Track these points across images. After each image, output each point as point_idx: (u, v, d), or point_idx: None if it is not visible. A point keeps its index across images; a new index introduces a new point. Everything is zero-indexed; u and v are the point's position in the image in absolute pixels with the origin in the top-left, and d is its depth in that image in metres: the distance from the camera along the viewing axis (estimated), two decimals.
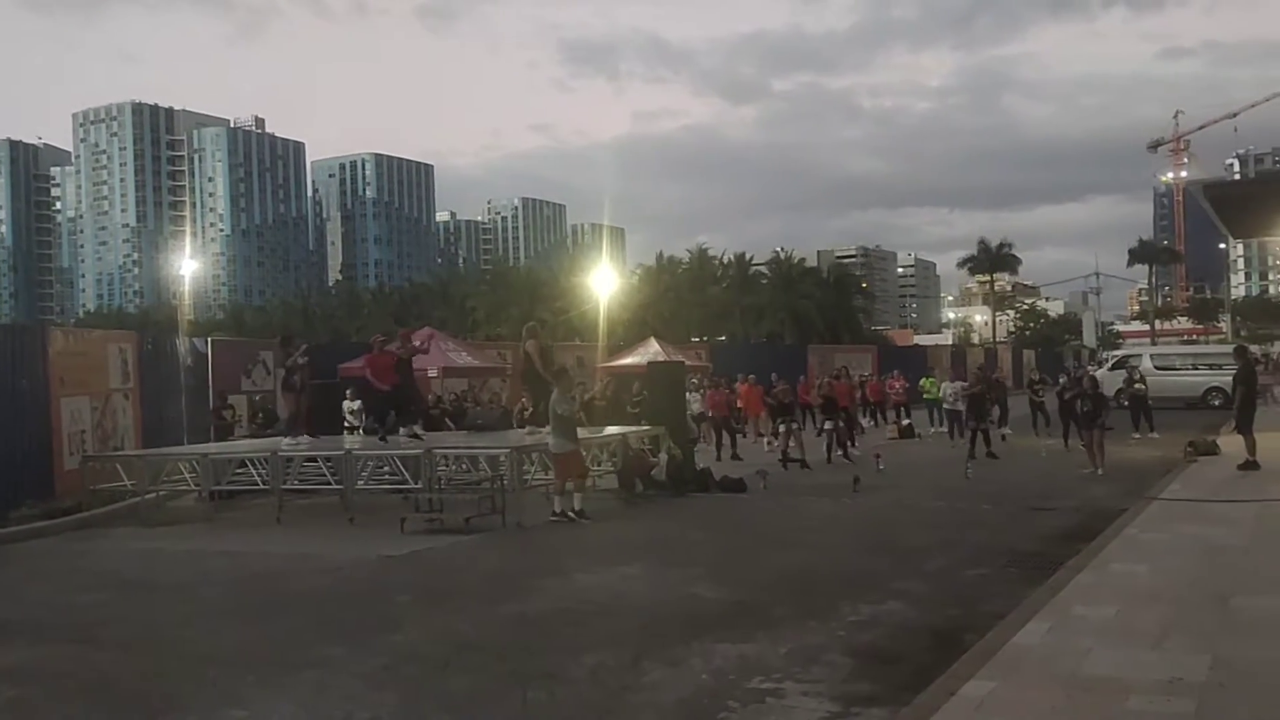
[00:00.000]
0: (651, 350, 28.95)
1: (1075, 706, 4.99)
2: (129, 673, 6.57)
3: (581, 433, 13.76)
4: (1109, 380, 28.40)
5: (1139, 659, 5.65)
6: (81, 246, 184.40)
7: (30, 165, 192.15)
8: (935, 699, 5.17)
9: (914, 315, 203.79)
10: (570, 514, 12.18)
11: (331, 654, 6.73)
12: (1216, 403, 30.20)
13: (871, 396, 28.04)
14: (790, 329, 63.04)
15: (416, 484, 12.93)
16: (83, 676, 6.54)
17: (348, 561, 10.29)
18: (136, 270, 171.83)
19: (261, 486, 13.87)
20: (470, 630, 7.35)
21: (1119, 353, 40.93)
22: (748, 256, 73.51)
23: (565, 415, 12.63)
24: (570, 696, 5.77)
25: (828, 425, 18.73)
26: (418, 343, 17.04)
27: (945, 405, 22.74)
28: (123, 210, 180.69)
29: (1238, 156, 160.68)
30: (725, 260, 73.32)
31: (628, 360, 28.37)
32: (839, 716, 5.28)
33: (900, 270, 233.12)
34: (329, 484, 13.65)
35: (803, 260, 76.68)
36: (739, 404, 23.39)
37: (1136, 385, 22.79)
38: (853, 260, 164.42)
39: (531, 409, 14.51)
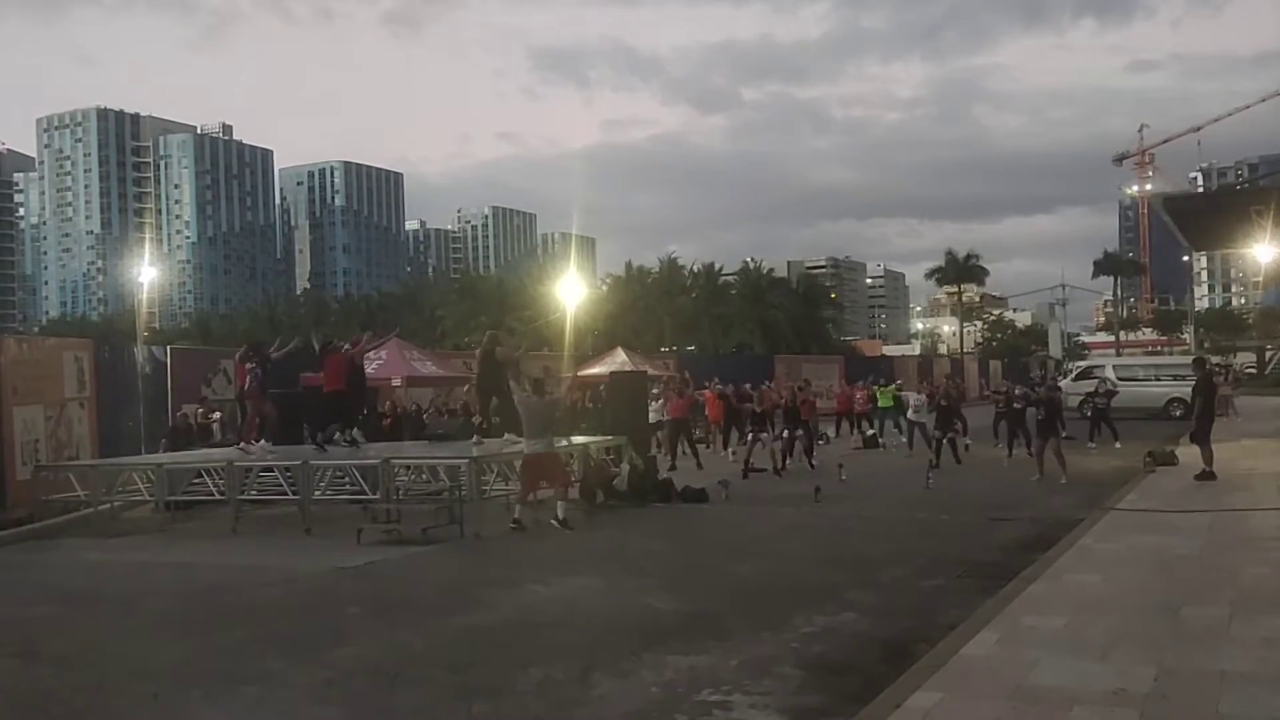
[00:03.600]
0: (619, 360, 28.99)
1: (1020, 717, 4.98)
2: (67, 688, 6.42)
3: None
4: (1072, 390, 28.74)
5: (1085, 670, 5.66)
6: (44, 253, 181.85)
7: None
8: (882, 710, 5.15)
9: (883, 326, 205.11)
10: (555, 521, 12.02)
11: (276, 668, 6.62)
12: (1178, 413, 30.51)
13: (839, 406, 28.15)
14: (759, 339, 63.17)
15: (375, 495, 12.80)
16: (19, 691, 6.39)
17: (300, 573, 10.14)
18: (100, 278, 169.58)
19: (219, 497, 13.69)
20: (420, 643, 7.25)
21: (1083, 363, 41.35)
22: (717, 266, 73.70)
23: (539, 416, 12.52)
24: (515, 710, 5.69)
25: (793, 433, 18.77)
26: (370, 344, 16.73)
27: (909, 417, 22.81)
28: (87, 217, 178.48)
29: (1201, 170, 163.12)
30: (695, 270, 73.44)
31: (594, 370, 28.36)
32: None
33: (869, 281, 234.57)
34: (287, 495, 13.49)
35: (772, 270, 77.01)
36: (707, 411, 23.41)
37: (1098, 398, 23.01)
38: (822, 271, 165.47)
39: (483, 419, 14.40)
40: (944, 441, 18.86)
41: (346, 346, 15.01)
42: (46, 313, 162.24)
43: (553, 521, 12.03)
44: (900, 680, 5.60)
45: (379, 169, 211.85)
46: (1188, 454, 16.35)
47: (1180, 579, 8.13)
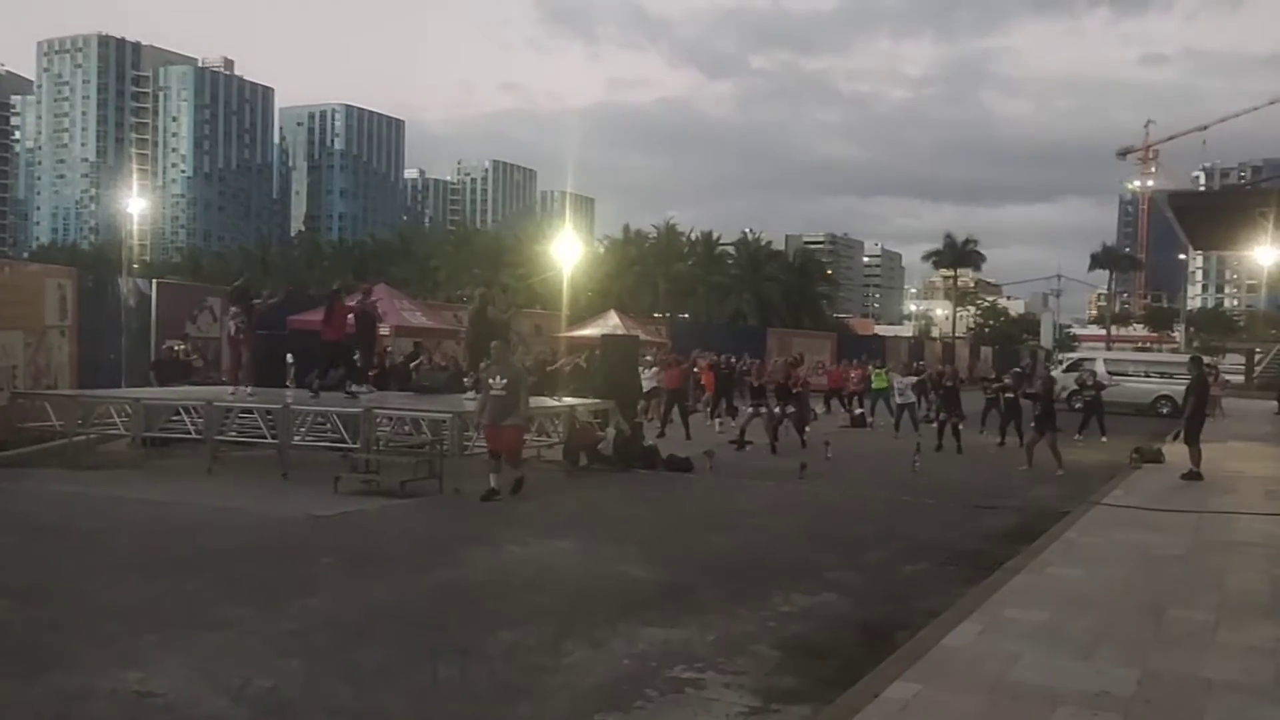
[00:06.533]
0: (611, 323, 28.70)
1: (1001, 714, 4.84)
2: (22, 623, 6.25)
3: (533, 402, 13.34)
4: (1063, 383, 28.63)
5: (1068, 668, 5.52)
6: (38, 179, 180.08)
7: None
8: (859, 699, 5.00)
9: (876, 305, 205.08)
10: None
11: (240, 615, 6.45)
12: (1165, 410, 30.50)
13: (830, 383, 28.01)
14: (754, 311, 63.01)
15: (355, 443, 12.60)
16: None
17: (274, 518, 9.97)
18: (93, 206, 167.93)
19: (196, 436, 13.48)
20: (390, 598, 7.09)
21: (1074, 355, 41.28)
22: (715, 235, 73.31)
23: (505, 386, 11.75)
24: (483, 674, 5.53)
25: (784, 409, 18.55)
26: (375, 299, 16.68)
27: (896, 399, 22.68)
28: (83, 144, 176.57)
29: (1204, 169, 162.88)
30: (693, 238, 73.01)
31: (586, 331, 28.10)
32: (759, 712, 5.10)
33: (866, 259, 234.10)
34: (266, 438, 13.29)
35: (770, 243, 76.58)
36: (702, 380, 23.23)
37: (1087, 391, 22.95)
38: (820, 247, 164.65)
39: (473, 378, 14.19)
40: (946, 426, 18.77)
41: (358, 299, 14.96)
42: (37, 239, 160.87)
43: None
44: (879, 669, 5.45)
45: (380, 114, 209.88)
46: (1175, 452, 16.26)
47: (1165, 579, 8.01)
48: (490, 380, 11.52)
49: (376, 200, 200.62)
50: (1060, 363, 37.07)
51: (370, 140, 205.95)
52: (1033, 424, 16.44)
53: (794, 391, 18.56)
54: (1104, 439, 21.17)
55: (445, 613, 6.77)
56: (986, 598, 7.13)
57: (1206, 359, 40.58)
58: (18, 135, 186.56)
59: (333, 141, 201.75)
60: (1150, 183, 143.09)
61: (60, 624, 6.22)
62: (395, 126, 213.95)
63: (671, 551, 9.10)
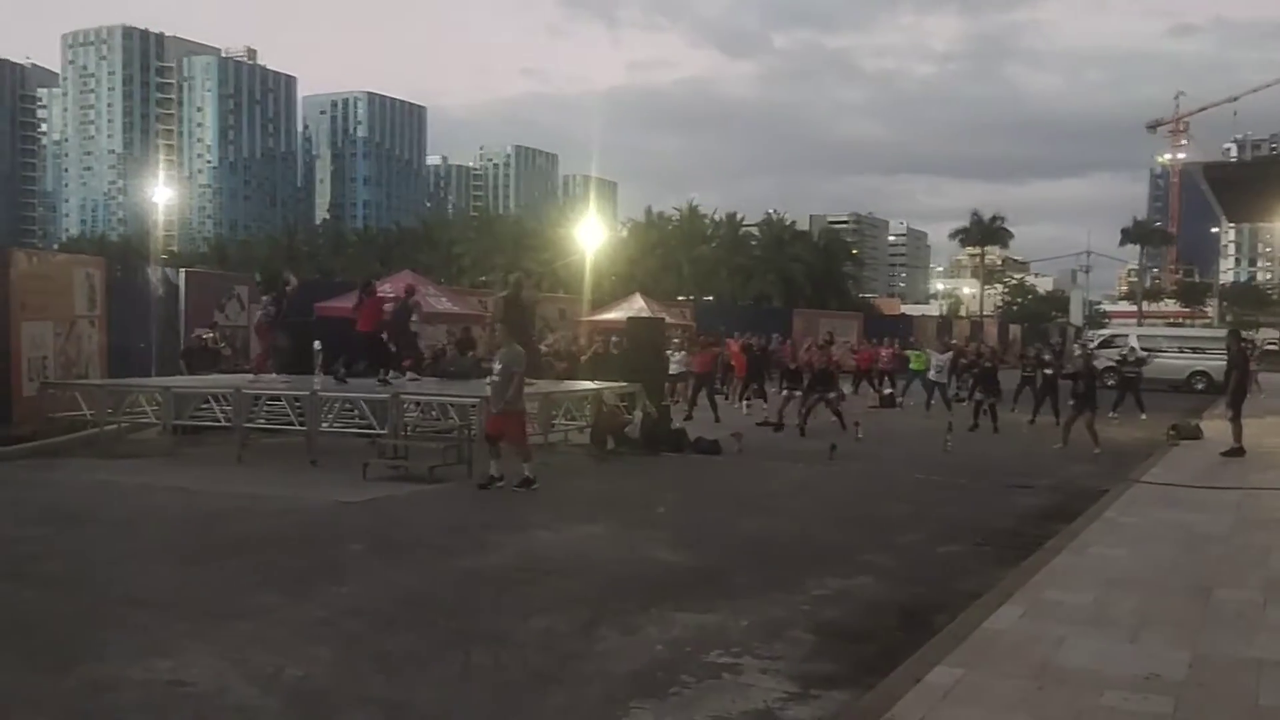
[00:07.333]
0: (636, 306, 28.60)
1: (1048, 699, 4.70)
2: (53, 614, 6.22)
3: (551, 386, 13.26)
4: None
5: (1115, 651, 5.37)
6: (66, 171, 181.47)
7: (17, 85, 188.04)
8: (900, 685, 4.87)
9: (902, 284, 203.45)
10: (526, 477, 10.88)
11: (271, 603, 6.40)
12: (1200, 386, 30.13)
13: (860, 364, 27.74)
14: (778, 292, 62.62)
15: (383, 429, 12.57)
16: (3, 615, 6.18)
17: (303, 505, 9.95)
18: (120, 198, 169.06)
19: (226, 423, 13.50)
20: (420, 584, 7.03)
21: (1106, 332, 40.75)
22: (739, 216, 72.87)
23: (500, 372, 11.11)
24: (515, 661, 5.45)
25: (824, 394, 18.21)
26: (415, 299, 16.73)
27: (930, 377, 22.40)
28: (109, 136, 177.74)
29: (1235, 141, 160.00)
30: (716, 219, 72.62)
31: (611, 315, 28.01)
32: (797, 698, 4.98)
33: (891, 239, 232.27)
34: (294, 425, 13.28)
35: (794, 223, 76.02)
36: (732, 362, 23.09)
37: (1128, 368, 22.64)
38: (845, 226, 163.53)
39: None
40: (983, 406, 18.47)
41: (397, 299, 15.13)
42: (67, 230, 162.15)
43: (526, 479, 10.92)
44: (919, 653, 5.32)
45: (402, 101, 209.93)
46: (1212, 428, 15.99)
47: (1210, 558, 7.83)
48: (491, 366, 11.46)
49: (400, 187, 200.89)
50: (1093, 339, 36.54)
51: (392, 127, 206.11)
52: (1071, 402, 16.02)
53: (832, 375, 18.24)
54: (1143, 416, 20.83)
55: (476, 599, 6.70)
56: (1027, 579, 6.98)
57: (1244, 333, 39.95)
58: (44, 128, 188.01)
59: (355, 129, 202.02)
60: (1181, 155, 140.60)
61: (91, 613, 6.20)
62: (417, 113, 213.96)
63: (703, 535, 9.00)
